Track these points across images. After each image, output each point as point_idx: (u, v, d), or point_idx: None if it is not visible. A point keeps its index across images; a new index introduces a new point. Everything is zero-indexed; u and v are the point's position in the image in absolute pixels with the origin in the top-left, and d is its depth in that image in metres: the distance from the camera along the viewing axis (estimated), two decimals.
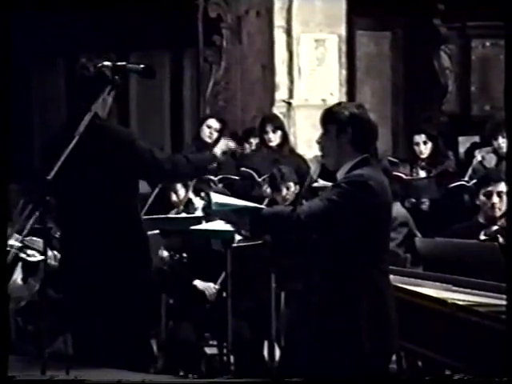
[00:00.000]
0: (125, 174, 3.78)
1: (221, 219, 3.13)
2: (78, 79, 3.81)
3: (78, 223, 3.83)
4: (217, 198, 3.10)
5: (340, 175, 3.11)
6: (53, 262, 4.48)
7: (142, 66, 3.75)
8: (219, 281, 4.73)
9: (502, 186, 4.53)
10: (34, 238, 4.56)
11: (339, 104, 3.26)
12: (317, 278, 3.09)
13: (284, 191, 5.38)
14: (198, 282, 4.76)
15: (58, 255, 4.28)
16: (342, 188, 2.99)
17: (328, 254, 3.04)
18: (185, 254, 4.86)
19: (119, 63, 3.73)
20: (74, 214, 3.84)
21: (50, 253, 4.59)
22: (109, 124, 3.86)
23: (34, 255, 4.70)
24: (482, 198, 4.57)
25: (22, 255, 4.72)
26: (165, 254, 4.93)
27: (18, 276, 4.77)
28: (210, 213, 3.19)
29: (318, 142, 3.21)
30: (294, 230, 3.04)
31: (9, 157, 3.28)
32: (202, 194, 5.33)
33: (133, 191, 3.90)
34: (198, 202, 5.46)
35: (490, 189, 4.53)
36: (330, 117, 3.18)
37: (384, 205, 3.10)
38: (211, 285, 4.74)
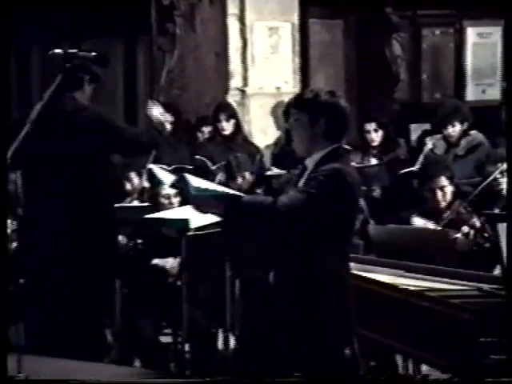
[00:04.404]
0: (103, 151, 3.99)
1: (196, 204, 3.06)
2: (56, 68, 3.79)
3: (45, 205, 3.91)
4: (196, 182, 3.02)
5: (310, 163, 3.10)
6: None
7: (94, 53, 3.76)
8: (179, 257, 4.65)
9: (443, 181, 4.64)
10: None
11: (311, 91, 3.15)
12: (285, 267, 3.09)
13: (239, 180, 5.36)
14: (157, 260, 4.71)
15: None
16: (320, 181, 2.99)
17: (300, 244, 3.04)
18: (140, 240, 4.81)
19: (70, 51, 3.72)
20: (42, 195, 3.94)
21: None
22: (87, 106, 4.10)
23: None
24: (426, 193, 4.69)
25: None
26: (120, 238, 4.88)
27: None
28: (185, 196, 3.10)
29: (288, 128, 3.16)
30: (272, 221, 3.01)
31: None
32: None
33: (107, 173, 4.09)
34: None
35: (431, 186, 4.65)
36: (301, 105, 3.11)
37: (356, 198, 3.14)
38: (170, 259, 4.67)
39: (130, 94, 7.03)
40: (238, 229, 3.34)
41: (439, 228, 4.52)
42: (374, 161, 5.99)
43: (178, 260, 4.65)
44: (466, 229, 4.40)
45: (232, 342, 4.55)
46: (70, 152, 3.94)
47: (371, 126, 6.04)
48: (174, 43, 6.84)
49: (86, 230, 3.95)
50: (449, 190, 4.64)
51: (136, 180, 5.38)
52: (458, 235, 4.39)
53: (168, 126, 6.11)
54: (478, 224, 4.43)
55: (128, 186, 5.40)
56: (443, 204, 4.62)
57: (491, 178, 4.85)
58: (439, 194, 4.62)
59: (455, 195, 4.68)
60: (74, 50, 3.74)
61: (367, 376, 3.76)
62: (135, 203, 5.27)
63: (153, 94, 6.71)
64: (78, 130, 3.96)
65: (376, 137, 6.03)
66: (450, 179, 4.69)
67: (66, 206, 3.94)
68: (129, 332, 4.67)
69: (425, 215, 4.67)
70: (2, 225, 3.23)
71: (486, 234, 4.31)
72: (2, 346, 2.94)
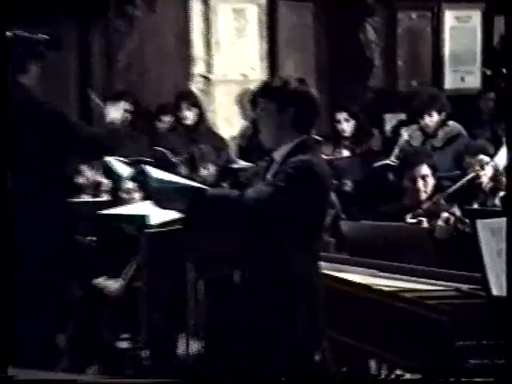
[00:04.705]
0: (57, 150, 3.76)
1: (157, 198, 2.92)
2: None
3: None
4: (157, 174, 2.91)
5: (278, 156, 3.05)
6: None
7: (45, 36, 3.73)
8: (124, 273, 4.53)
9: (425, 169, 4.52)
10: None
11: (279, 78, 3.14)
12: (251, 266, 3.05)
13: (202, 172, 5.23)
14: (99, 280, 4.57)
15: None
16: (289, 174, 2.94)
17: (267, 241, 2.98)
18: (94, 238, 4.65)
19: (21, 33, 3.68)
20: None
21: None
22: (38, 96, 3.83)
23: None
24: (406, 182, 4.54)
25: None
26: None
27: None
28: (146, 188, 3.01)
29: (255, 118, 3.12)
30: (238, 216, 2.95)
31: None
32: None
33: (62, 170, 3.92)
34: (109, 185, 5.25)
35: (413, 173, 4.51)
36: (269, 93, 3.07)
37: (327, 191, 3.13)
38: (111, 282, 4.55)
39: (84, 80, 6.80)
40: (202, 224, 3.26)
41: (415, 224, 4.38)
42: (345, 152, 5.87)
43: (118, 284, 4.55)
44: (445, 215, 4.30)
45: (194, 346, 4.47)
46: (22, 148, 3.75)
47: (342, 116, 5.94)
48: (133, 25, 6.65)
49: (38, 230, 3.79)
50: (430, 180, 4.49)
51: (89, 173, 5.19)
52: (439, 222, 4.28)
53: (125, 115, 5.93)
54: (458, 213, 4.33)
55: (80, 180, 5.20)
56: (424, 195, 4.46)
57: (472, 174, 4.73)
58: (420, 183, 4.48)
59: (436, 188, 4.51)
60: (25, 33, 3.68)
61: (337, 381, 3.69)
62: (87, 198, 5.10)
63: (110, 79, 6.48)
64: (30, 127, 3.74)
65: (347, 127, 5.91)
66: (433, 169, 4.53)
67: (21, 205, 3.77)
68: (84, 337, 4.54)
69: (402, 209, 4.51)
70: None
71: (466, 220, 4.20)
72: (3, 347, 2.90)
